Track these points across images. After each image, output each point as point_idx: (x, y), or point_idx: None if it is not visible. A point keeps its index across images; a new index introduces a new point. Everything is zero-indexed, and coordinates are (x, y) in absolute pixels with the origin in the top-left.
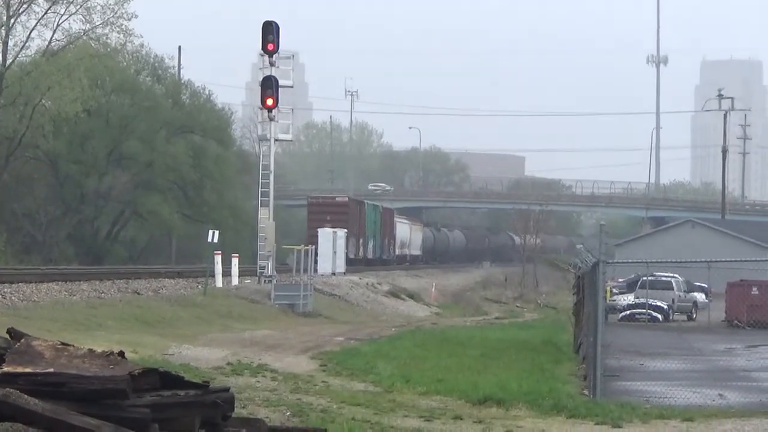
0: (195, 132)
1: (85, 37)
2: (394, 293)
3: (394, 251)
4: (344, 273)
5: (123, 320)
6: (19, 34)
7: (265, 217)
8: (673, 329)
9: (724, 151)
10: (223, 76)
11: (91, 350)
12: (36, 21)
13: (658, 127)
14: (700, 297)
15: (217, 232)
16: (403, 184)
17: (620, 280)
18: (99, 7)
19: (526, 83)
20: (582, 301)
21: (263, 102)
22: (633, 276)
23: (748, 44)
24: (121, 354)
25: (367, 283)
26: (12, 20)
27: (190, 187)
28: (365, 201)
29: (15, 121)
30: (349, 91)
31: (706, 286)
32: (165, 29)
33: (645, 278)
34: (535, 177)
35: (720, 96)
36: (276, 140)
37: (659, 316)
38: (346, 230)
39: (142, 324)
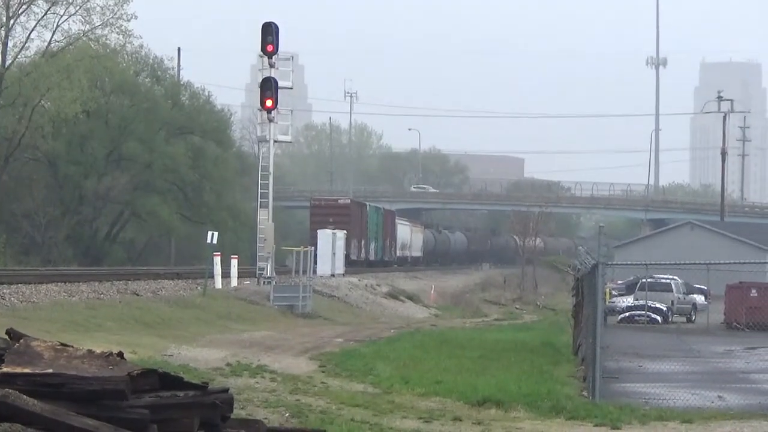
0: (194, 133)
1: (84, 38)
2: (393, 295)
3: (395, 253)
4: (343, 274)
5: (122, 321)
6: (18, 34)
7: (265, 219)
8: (672, 331)
9: (724, 153)
10: (223, 77)
11: (90, 351)
12: (35, 22)
13: (657, 129)
14: (699, 299)
15: (216, 234)
16: (402, 185)
17: (619, 282)
18: (98, 8)
19: (525, 85)
20: (581, 303)
21: (262, 103)
22: (632, 278)
23: (747, 46)
24: (120, 355)
25: (366, 285)
26: (11, 21)
27: (189, 188)
28: (367, 203)
29: (14, 122)
30: (348, 93)
31: (705, 288)
32: (164, 30)
33: (644, 280)
34: (534, 179)
35: (719, 98)
36: (275, 141)
37: (658, 318)
38: (345, 231)
39: (141, 325)
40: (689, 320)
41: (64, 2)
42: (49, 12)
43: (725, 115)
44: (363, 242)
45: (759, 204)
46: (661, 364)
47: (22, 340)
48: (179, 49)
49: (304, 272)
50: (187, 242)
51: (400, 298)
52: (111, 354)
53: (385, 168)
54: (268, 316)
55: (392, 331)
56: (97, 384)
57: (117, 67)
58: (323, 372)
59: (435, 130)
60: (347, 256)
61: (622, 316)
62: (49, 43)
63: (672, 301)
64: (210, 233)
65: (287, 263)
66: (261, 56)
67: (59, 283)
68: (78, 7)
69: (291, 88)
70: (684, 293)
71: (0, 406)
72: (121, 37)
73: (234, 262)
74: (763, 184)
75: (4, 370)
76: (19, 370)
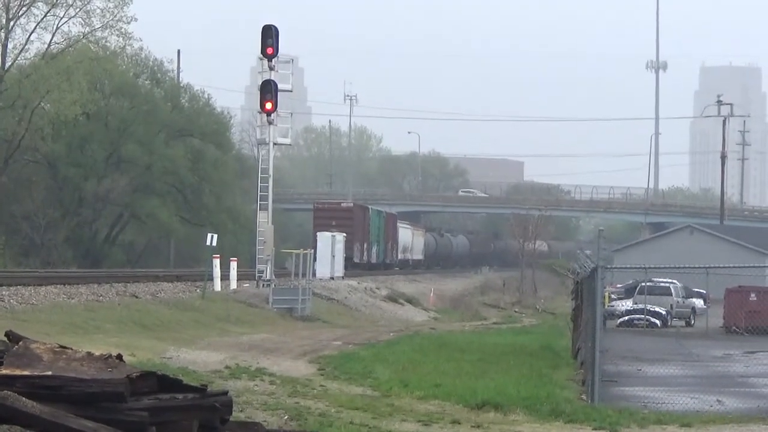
0: (194, 135)
1: (84, 40)
2: (393, 298)
3: (397, 256)
4: (342, 277)
5: (121, 323)
6: (18, 36)
7: (264, 221)
8: (671, 335)
9: (723, 157)
10: (223, 79)
11: (89, 353)
12: (35, 24)
13: (657, 133)
14: (698, 303)
15: (215, 236)
16: (401, 188)
17: (619, 285)
18: (98, 11)
19: (525, 88)
20: (580, 307)
21: (262, 106)
22: (631, 281)
23: (747, 50)
24: (119, 357)
25: (365, 288)
26: (11, 23)
27: (188, 190)
28: (369, 207)
29: (14, 124)
30: (348, 96)
31: (704, 292)
32: (164, 33)
33: (643, 284)
34: (534, 182)
35: (719, 102)
36: (275, 144)
37: (657, 321)
38: (345, 234)
39: (140, 327)
40: (688, 324)
41: (64, 4)
42: (48, 14)
43: (725, 119)
44: (365, 245)
45: (759, 208)
46: (660, 368)
47: (21, 342)
48: (179, 51)
49: (304, 275)
50: (186, 245)
51: (399, 301)
52: (110, 356)
53: (384, 171)
54: (267, 318)
55: (391, 334)
56: (96, 386)
57: (117, 69)
58: (322, 375)
59: (434, 133)
60: (350, 259)
61: (621, 319)
62: (49, 45)
63: (671, 305)
64: (209, 236)
65: (286, 266)
66: (261, 59)
67: (58, 285)
68: (78, 10)
69: (291, 91)
70: (683, 297)
71: None
72: (120, 39)
73: (233, 265)
74: (762, 188)
75: (4, 372)
76: (18, 372)
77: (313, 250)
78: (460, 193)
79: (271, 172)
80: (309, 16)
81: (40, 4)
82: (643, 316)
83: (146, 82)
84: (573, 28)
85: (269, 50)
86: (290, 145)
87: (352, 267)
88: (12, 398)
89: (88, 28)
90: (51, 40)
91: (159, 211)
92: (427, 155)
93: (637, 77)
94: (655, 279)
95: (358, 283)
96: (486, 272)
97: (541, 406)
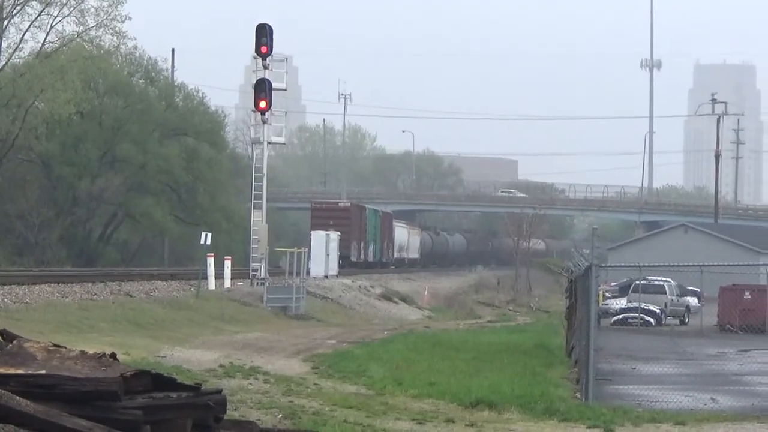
0: (188, 134)
1: (78, 39)
2: (387, 296)
3: (393, 254)
4: (337, 276)
5: (115, 322)
6: (12, 35)
7: (258, 220)
8: (665, 333)
9: (718, 156)
10: (217, 78)
11: (83, 352)
12: (29, 23)
13: (651, 131)
14: (692, 301)
15: (209, 235)
16: (396, 187)
17: (613, 284)
18: (92, 9)
19: (518, 87)
20: (575, 305)
21: (256, 105)
22: (626, 280)
23: (741, 48)
24: (113, 356)
25: (359, 286)
26: (5, 22)
27: (183, 189)
28: (366, 206)
29: (8, 123)
30: (342, 94)
31: (698, 290)
32: (158, 32)
33: (638, 282)
34: (528, 181)
35: (713, 100)
36: (269, 143)
37: (652, 320)
38: (339, 233)
39: (135, 326)
40: (682, 322)
41: (58, 3)
42: (43, 13)
43: (719, 117)
44: (362, 244)
45: (753, 206)
46: (654, 367)
47: (15, 341)
48: (173, 50)
49: (298, 274)
50: (180, 243)
51: (393, 300)
52: (104, 355)
53: (378, 170)
54: (262, 317)
55: (385, 332)
56: (90, 385)
57: (111, 68)
58: (316, 373)
59: (429, 132)
60: (347, 258)
61: (615, 318)
62: (43, 44)
63: (665, 304)
64: (203, 234)
65: (281, 264)
66: (255, 57)
67: (52, 284)
68: (72, 8)
69: (285, 90)
70: (677, 295)
71: None
72: (115, 38)
73: (227, 264)
74: (757, 186)
75: None
76: (12, 371)
77: (307, 249)
78: (500, 193)
79: (265, 170)
80: (303, 14)
81: (34, 3)
82: (637, 314)
83: (140, 81)
84: (568, 27)
85: (263, 49)
86: (284, 144)
87: (349, 266)
88: (6, 397)
89: (82, 27)
90: (45, 39)
91: (153, 210)
92: (422, 154)
93: (631, 76)
94: (649, 277)
95: (353, 281)
96: (480, 271)
97: (536, 405)
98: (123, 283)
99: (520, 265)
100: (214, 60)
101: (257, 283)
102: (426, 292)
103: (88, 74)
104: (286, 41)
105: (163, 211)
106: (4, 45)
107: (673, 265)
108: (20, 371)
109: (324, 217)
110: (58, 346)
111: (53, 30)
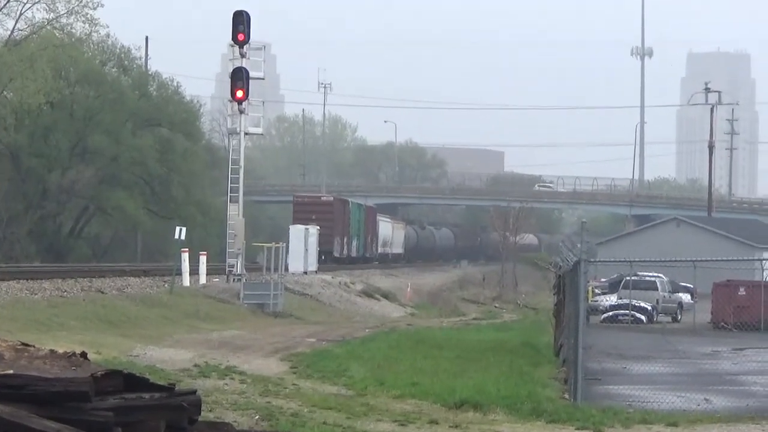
0: (162, 125)
1: (48, 27)
2: (368, 293)
3: (377, 250)
4: (316, 272)
5: (86, 320)
6: None
7: (235, 214)
8: (657, 331)
9: (711, 147)
10: (193, 67)
11: (52, 351)
12: None
13: (642, 122)
14: (685, 298)
15: (184, 229)
16: (377, 179)
17: (603, 279)
18: None
19: (505, 76)
20: (563, 302)
21: (233, 94)
22: (616, 276)
23: (735, 36)
24: (84, 355)
25: (339, 283)
26: None
27: (156, 181)
28: (350, 200)
29: None
30: (322, 84)
31: (691, 286)
32: (132, 19)
33: (628, 278)
34: (515, 173)
35: (707, 89)
36: (246, 134)
37: (643, 317)
38: (319, 228)
39: (106, 324)
40: (675, 320)
41: None
42: (12, 0)
43: (713, 106)
44: (345, 239)
45: (748, 199)
46: (646, 366)
47: None
48: (147, 38)
49: (276, 269)
50: (153, 238)
51: (375, 297)
52: (74, 354)
53: (359, 161)
54: (238, 314)
55: (366, 330)
56: (60, 385)
57: (82, 56)
58: (295, 373)
59: (412, 123)
60: (330, 254)
61: (605, 315)
62: (12, 31)
63: (657, 300)
64: (178, 229)
65: (258, 260)
66: (232, 46)
67: (21, 281)
68: None
69: (263, 79)
70: (669, 292)
71: None
72: (86, 25)
73: (203, 259)
74: (751, 178)
75: None
76: None
77: (285, 244)
78: (537, 188)
79: (242, 162)
80: (282, 1)
81: None
82: (627, 311)
83: (113, 70)
84: (556, 14)
85: (240, 36)
86: (262, 134)
87: (332, 261)
88: None
89: (52, 14)
90: (14, 26)
91: (126, 204)
92: (404, 145)
93: (622, 64)
94: (640, 273)
95: (333, 277)
96: (465, 266)
97: (522, 406)
98: (94, 279)
99: (507, 261)
100: (190, 48)
101: (233, 280)
102: (409, 289)
103: (58, 63)
104: (264, 29)
105: (136, 205)
106: None
107: (664, 260)
108: None
109: (306, 211)
110: (27, 344)
111: (23, 17)
